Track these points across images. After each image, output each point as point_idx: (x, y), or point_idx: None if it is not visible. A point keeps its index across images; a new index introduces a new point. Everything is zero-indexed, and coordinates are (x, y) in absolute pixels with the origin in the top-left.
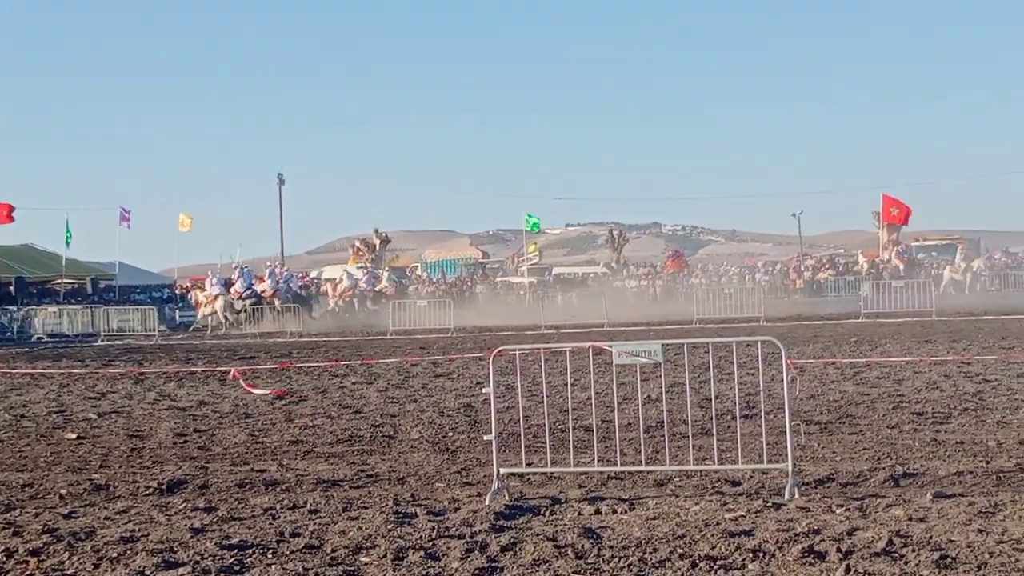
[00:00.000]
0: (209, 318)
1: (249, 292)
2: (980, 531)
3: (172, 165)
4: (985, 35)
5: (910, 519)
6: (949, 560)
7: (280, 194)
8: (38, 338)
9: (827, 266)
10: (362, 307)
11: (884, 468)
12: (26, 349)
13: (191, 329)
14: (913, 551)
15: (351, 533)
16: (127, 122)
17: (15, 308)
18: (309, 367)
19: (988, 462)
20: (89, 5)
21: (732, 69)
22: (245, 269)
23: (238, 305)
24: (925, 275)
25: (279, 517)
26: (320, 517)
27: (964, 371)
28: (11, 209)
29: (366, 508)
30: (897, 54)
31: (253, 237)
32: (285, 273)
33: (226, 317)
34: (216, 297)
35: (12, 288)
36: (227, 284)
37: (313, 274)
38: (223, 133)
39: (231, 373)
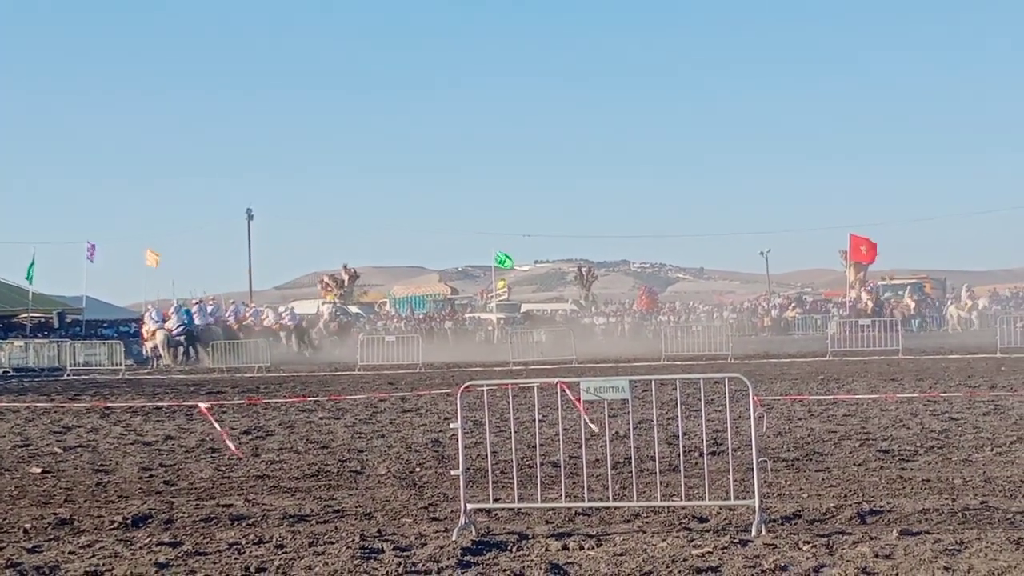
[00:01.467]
0: (152, 352)
1: (181, 328)
2: (946, 568)
3: (140, 199)
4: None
5: (876, 556)
6: None
7: (249, 229)
8: (3, 372)
9: (794, 304)
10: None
11: (851, 505)
12: None
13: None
14: None
15: (317, 568)
16: (94, 156)
17: None
18: (277, 403)
19: (954, 500)
20: (61, 34)
21: (700, 108)
22: (180, 305)
23: (173, 341)
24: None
25: (245, 552)
26: (286, 552)
27: (930, 409)
28: None
29: (332, 543)
30: (864, 95)
31: (222, 272)
32: (209, 307)
33: (166, 350)
34: (155, 332)
35: None
36: (164, 319)
37: (281, 309)
38: (192, 168)
39: (201, 410)
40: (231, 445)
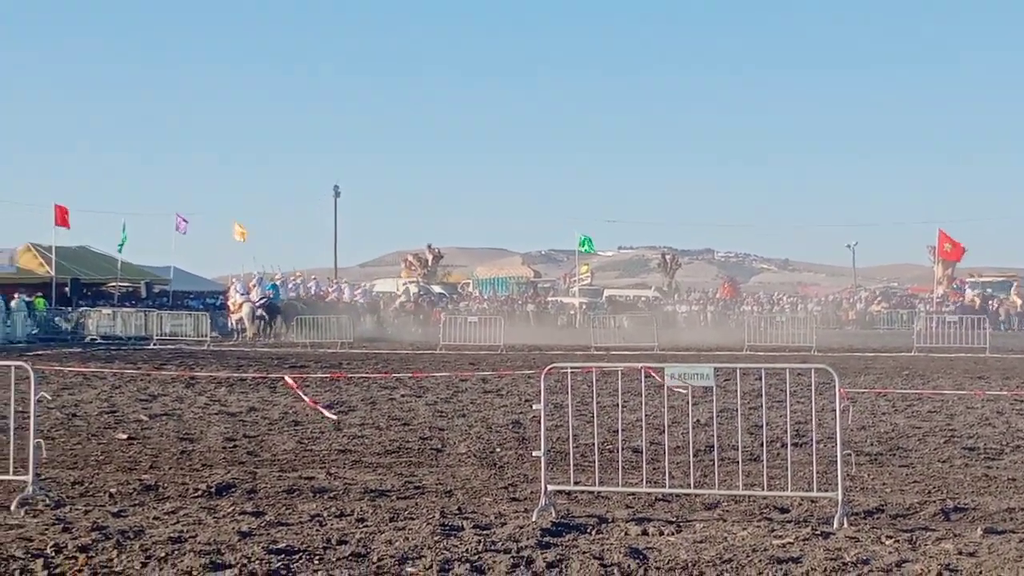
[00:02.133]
0: (236, 324)
1: (264, 301)
2: None
3: (230, 173)
4: None
5: (960, 553)
6: None
7: (335, 206)
8: (91, 339)
9: (880, 299)
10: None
11: (935, 501)
12: (79, 350)
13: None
14: None
15: (397, 543)
16: (187, 128)
17: (69, 309)
18: (359, 378)
19: None
20: (152, 10)
21: (789, 100)
22: (262, 278)
23: (257, 314)
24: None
25: (326, 524)
26: (367, 526)
27: (1017, 408)
28: (67, 212)
29: (413, 519)
30: (956, 91)
31: (308, 248)
32: (292, 282)
33: (251, 323)
34: (241, 305)
35: (67, 289)
36: (249, 292)
37: (365, 286)
38: (282, 142)
39: (286, 382)
40: (325, 412)
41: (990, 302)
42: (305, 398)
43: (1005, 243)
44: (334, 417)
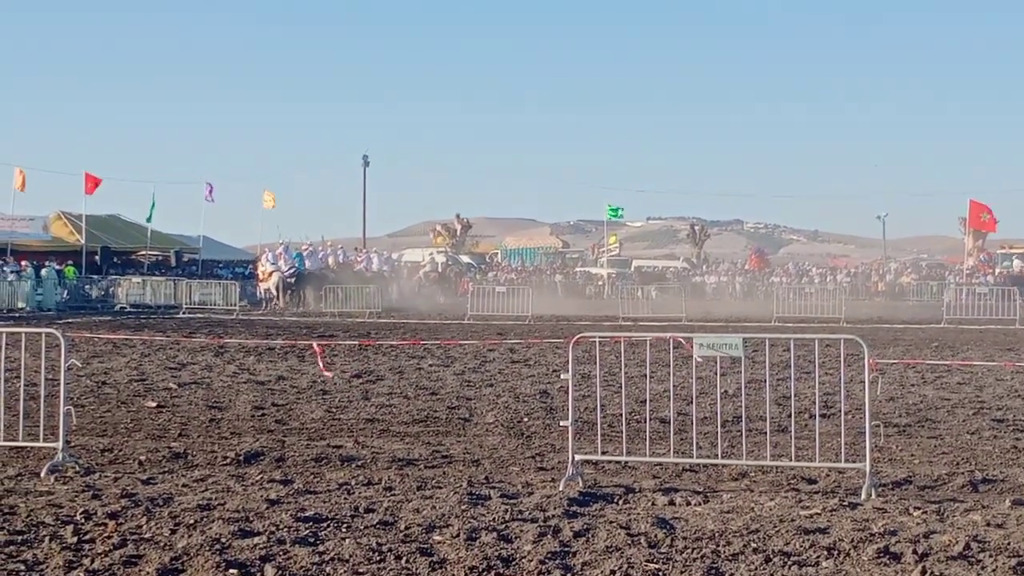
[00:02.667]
0: (265, 294)
1: (292, 271)
2: None
3: (259, 142)
4: None
5: (988, 525)
6: None
7: (364, 175)
8: (121, 307)
9: (910, 270)
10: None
11: (963, 473)
12: (109, 318)
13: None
14: (991, 556)
15: (425, 512)
16: (216, 96)
17: (100, 277)
18: (387, 347)
19: None
20: None
21: (819, 68)
22: (288, 247)
23: (286, 283)
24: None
25: (354, 492)
26: (394, 494)
27: None
28: (98, 182)
29: (440, 488)
30: (987, 57)
31: (336, 217)
32: (321, 252)
33: (281, 293)
34: (271, 274)
35: (98, 257)
36: (278, 261)
37: (394, 256)
38: (310, 112)
39: (314, 349)
40: (321, 364)
41: None
42: (320, 361)
43: None
44: (330, 374)
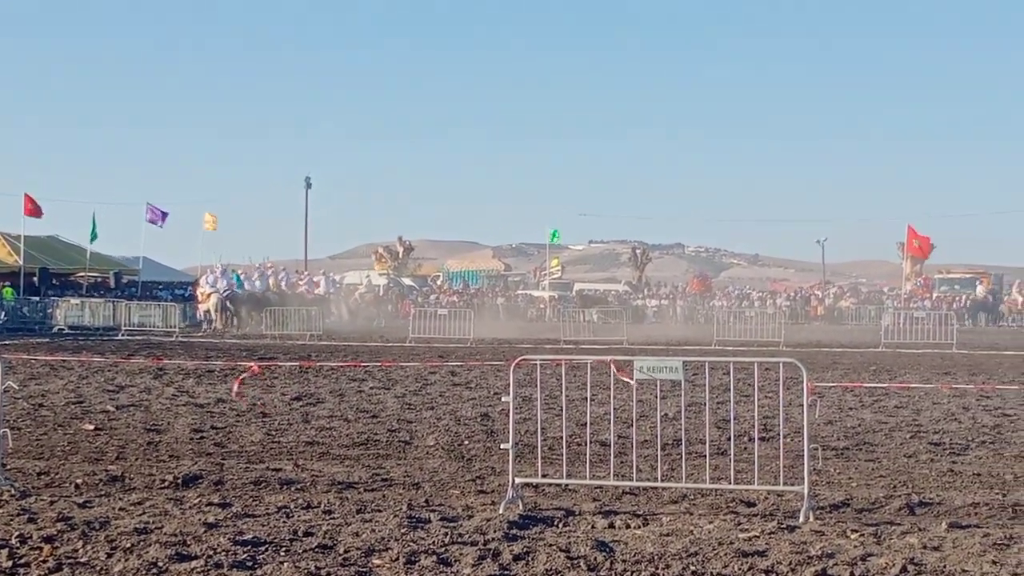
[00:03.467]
0: (204, 316)
1: (229, 292)
2: (994, 562)
3: (200, 164)
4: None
5: (924, 547)
6: None
7: (307, 197)
8: (59, 329)
9: (849, 294)
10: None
11: (900, 496)
12: (47, 339)
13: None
14: None
15: (364, 535)
16: (157, 119)
17: (38, 299)
18: (328, 369)
19: (1004, 495)
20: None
21: (759, 93)
22: (227, 269)
23: (224, 305)
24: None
25: (293, 516)
26: (334, 518)
27: (983, 404)
28: (37, 204)
29: (380, 511)
30: (925, 86)
31: (278, 239)
32: (257, 274)
33: (219, 314)
34: (209, 296)
35: (36, 279)
36: (216, 283)
37: (336, 278)
38: (253, 134)
39: (250, 369)
40: (235, 389)
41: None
42: (236, 385)
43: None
44: (237, 397)
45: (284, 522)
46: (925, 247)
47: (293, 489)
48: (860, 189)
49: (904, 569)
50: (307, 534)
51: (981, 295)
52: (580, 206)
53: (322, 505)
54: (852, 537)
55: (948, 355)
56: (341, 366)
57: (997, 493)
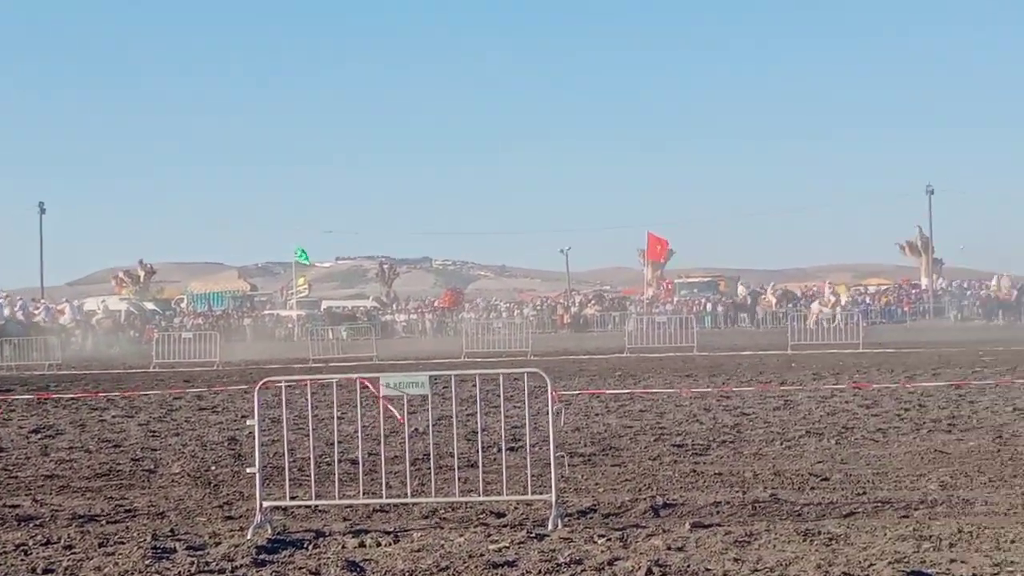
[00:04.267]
0: None
1: None
2: (736, 560)
3: None
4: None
5: (669, 548)
6: None
7: (41, 223)
8: None
9: (593, 302)
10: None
11: (645, 499)
12: None
13: None
14: None
15: (107, 569)
16: None
17: None
18: (67, 400)
19: (744, 492)
20: None
21: (506, 107)
22: None
23: None
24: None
25: (32, 553)
26: (75, 553)
27: (723, 404)
28: None
29: (123, 543)
30: (653, 96)
31: (10, 267)
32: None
33: None
34: None
35: None
36: None
37: (75, 304)
38: None
39: None
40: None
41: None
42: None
43: (712, 245)
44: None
45: (23, 560)
46: (663, 250)
47: (32, 525)
48: (601, 198)
49: (649, 571)
50: (47, 571)
51: (741, 296)
52: (325, 223)
53: (63, 540)
54: (599, 542)
55: (690, 357)
56: (82, 396)
57: (737, 491)
